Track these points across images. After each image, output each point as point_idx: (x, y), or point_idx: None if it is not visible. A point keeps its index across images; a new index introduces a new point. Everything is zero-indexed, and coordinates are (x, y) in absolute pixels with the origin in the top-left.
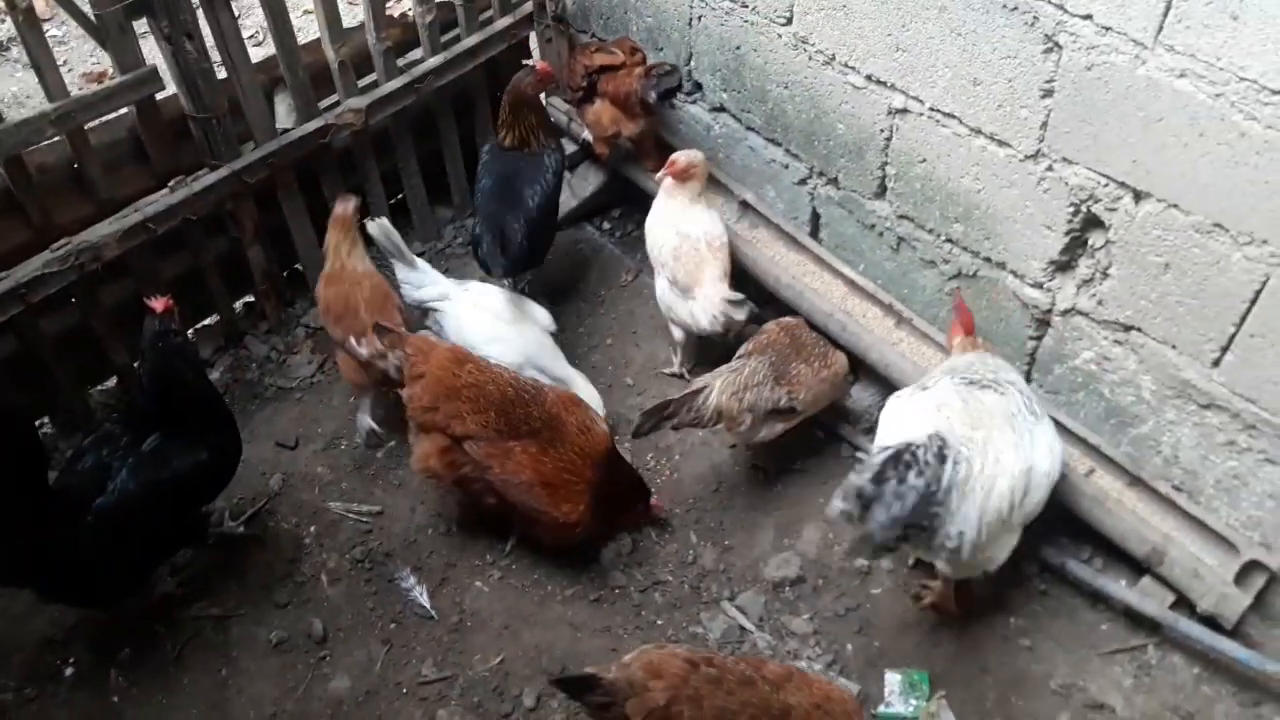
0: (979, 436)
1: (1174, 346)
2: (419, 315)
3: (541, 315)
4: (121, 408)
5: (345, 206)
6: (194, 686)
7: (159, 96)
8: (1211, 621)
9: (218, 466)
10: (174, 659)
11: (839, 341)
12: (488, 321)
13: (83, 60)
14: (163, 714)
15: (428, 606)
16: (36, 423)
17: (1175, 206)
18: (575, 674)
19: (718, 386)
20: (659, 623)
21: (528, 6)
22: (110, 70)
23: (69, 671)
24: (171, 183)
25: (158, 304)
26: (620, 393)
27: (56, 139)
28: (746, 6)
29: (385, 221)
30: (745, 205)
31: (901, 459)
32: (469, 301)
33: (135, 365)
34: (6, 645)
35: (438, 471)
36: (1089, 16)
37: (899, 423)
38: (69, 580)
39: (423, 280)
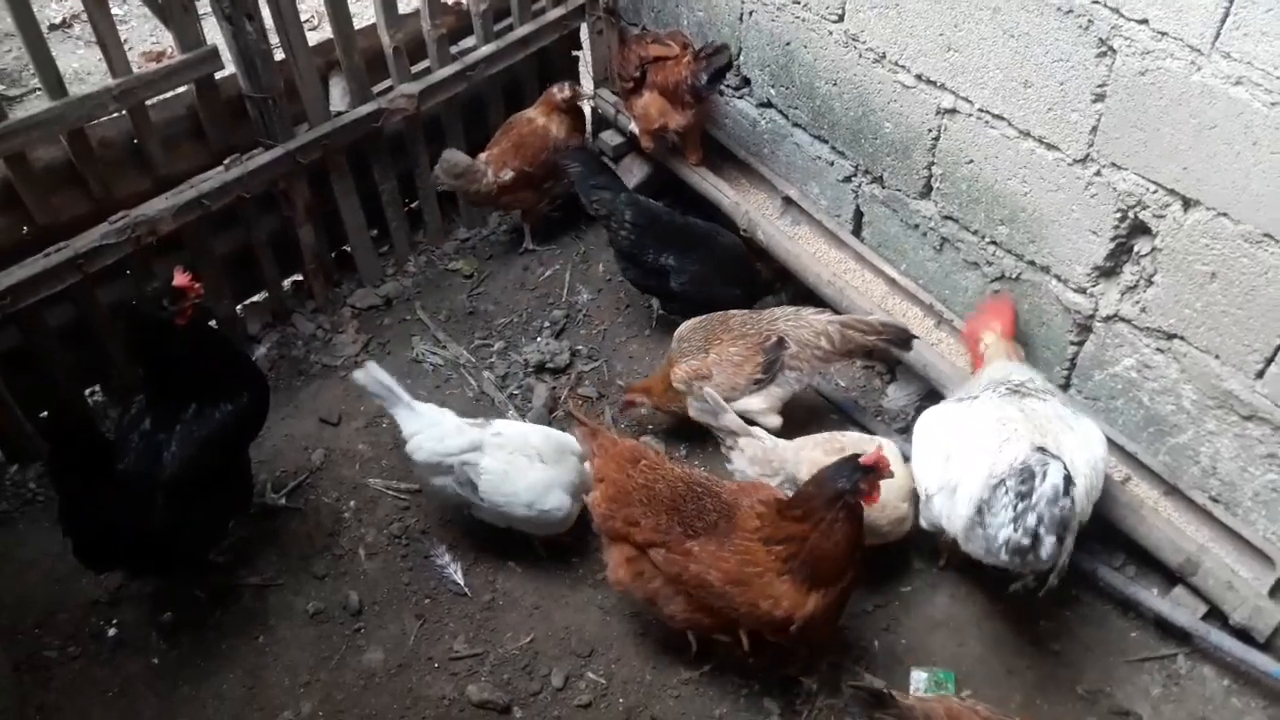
0: (1050, 443)
1: (1217, 356)
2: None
3: (571, 442)
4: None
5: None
6: (232, 652)
7: (218, 76)
8: (1244, 634)
9: (256, 403)
10: (213, 625)
11: None
12: (537, 469)
13: (143, 40)
14: (201, 677)
15: (461, 584)
16: (88, 390)
17: (1225, 215)
18: (874, 687)
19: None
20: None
21: None
22: (169, 50)
23: (112, 633)
24: (227, 161)
25: (183, 278)
26: None
27: (118, 114)
28: (798, 3)
29: (374, 365)
30: (789, 201)
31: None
32: (507, 448)
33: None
34: (52, 605)
35: (627, 584)
36: (1145, 21)
37: (954, 437)
38: (154, 553)
39: (442, 431)
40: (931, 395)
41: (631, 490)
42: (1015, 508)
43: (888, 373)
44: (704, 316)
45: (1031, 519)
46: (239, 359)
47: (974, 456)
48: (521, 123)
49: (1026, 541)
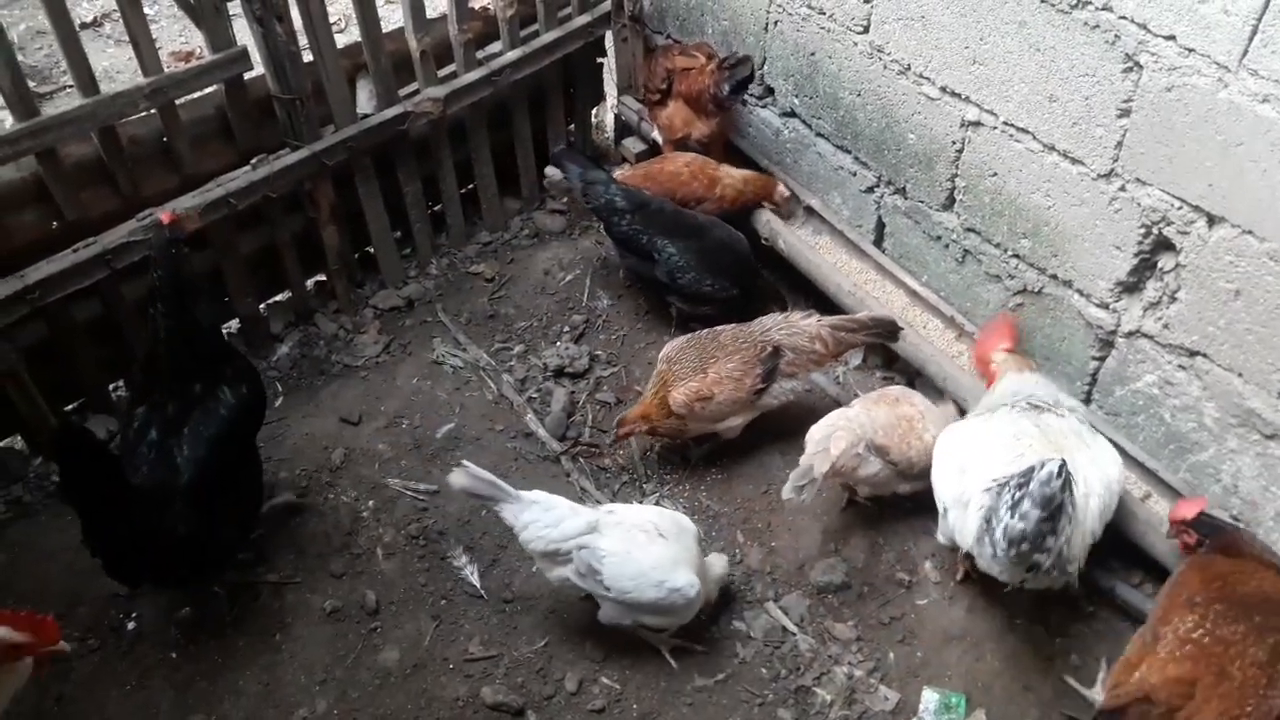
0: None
1: (1240, 374)
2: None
3: (686, 520)
4: (138, 389)
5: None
6: (249, 648)
7: (247, 76)
8: None
9: (255, 393)
10: (231, 621)
11: (897, 353)
12: (659, 544)
13: (171, 39)
14: (218, 672)
15: (478, 586)
16: (111, 386)
17: (1250, 233)
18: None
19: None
20: (702, 618)
21: (606, 5)
22: (198, 50)
23: (131, 626)
24: (254, 160)
25: (166, 216)
26: None
27: (149, 113)
28: (824, 14)
29: (470, 465)
30: (810, 211)
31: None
32: (624, 525)
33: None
34: (73, 597)
35: None
36: (1172, 37)
37: (970, 451)
38: (183, 561)
39: (556, 516)
40: None
41: (1243, 683)
42: (1013, 497)
43: (907, 385)
44: (690, 335)
45: (1026, 504)
46: (232, 349)
47: (986, 471)
48: (718, 171)
49: (1021, 526)
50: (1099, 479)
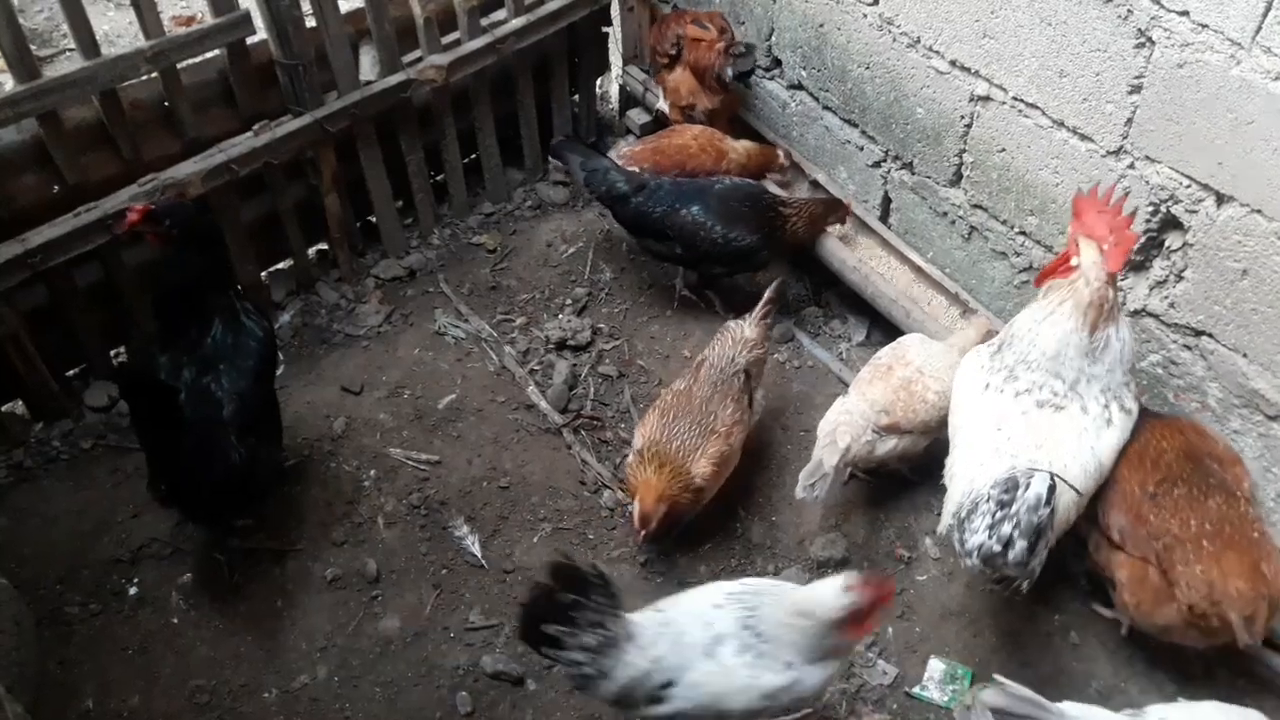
0: (1042, 457)
1: (1245, 355)
2: None
3: None
4: (158, 337)
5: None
6: (250, 615)
7: (249, 41)
8: None
9: (270, 325)
10: (232, 588)
11: (902, 329)
12: None
13: (173, 3)
14: (219, 638)
15: (479, 556)
16: (112, 352)
17: (1259, 212)
18: None
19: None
20: None
21: None
22: (199, 15)
23: (133, 591)
24: (256, 126)
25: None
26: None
27: (150, 76)
28: None
29: (1008, 683)
30: (816, 185)
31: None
32: None
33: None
34: (75, 562)
35: None
36: (1185, 13)
37: (962, 418)
38: (234, 490)
39: None
40: None
41: (1240, 524)
42: (994, 515)
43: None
44: (653, 411)
45: (1007, 527)
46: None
47: (966, 460)
48: (725, 143)
49: (998, 548)
50: (1079, 473)
